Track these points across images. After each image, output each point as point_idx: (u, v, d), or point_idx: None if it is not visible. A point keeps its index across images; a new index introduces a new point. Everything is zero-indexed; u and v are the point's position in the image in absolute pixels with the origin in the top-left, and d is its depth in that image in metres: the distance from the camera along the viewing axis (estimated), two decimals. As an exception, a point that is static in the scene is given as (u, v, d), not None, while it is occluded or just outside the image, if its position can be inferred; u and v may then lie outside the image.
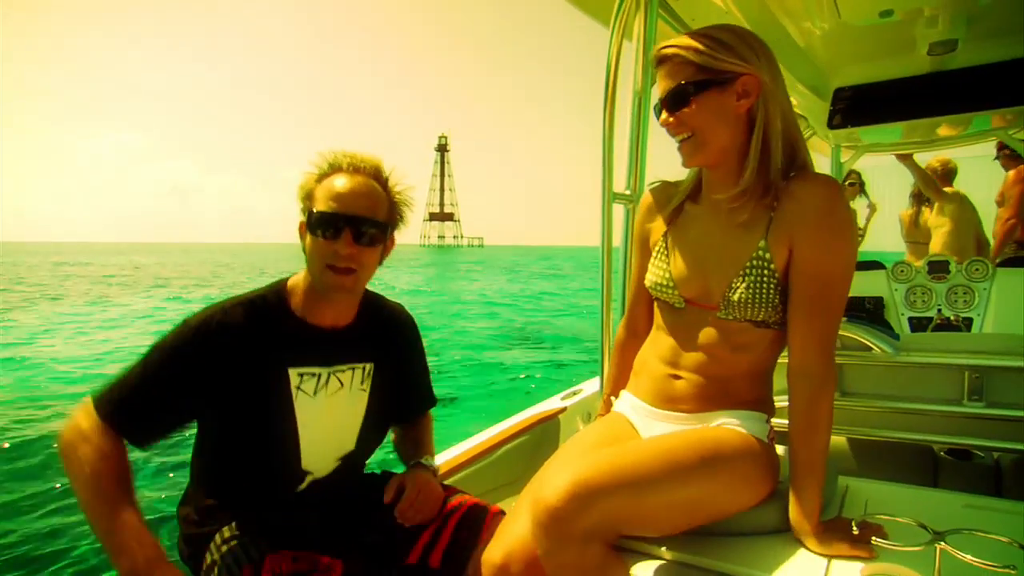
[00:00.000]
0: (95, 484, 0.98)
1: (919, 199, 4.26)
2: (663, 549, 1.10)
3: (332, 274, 1.08)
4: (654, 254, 1.26)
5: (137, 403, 1.04)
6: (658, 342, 1.23)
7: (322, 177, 1.10)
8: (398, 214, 1.17)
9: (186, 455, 1.20)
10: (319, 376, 1.13)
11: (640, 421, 1.22)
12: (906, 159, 3.55)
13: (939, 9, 1.85)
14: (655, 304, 1.27)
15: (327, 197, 1.07)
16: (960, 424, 1.53)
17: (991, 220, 3.83)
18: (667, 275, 1.20)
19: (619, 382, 1.38)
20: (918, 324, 2.49)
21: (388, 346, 1.27)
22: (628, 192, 1.69)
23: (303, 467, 1.14)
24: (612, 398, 1.37)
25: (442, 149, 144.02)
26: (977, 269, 2.40)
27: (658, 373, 1.20)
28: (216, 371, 1.06)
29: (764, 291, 1.08)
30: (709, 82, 1.07)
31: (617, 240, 1.68)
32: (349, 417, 1.20)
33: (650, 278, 1.24)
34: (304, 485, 1.16)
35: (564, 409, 1.95)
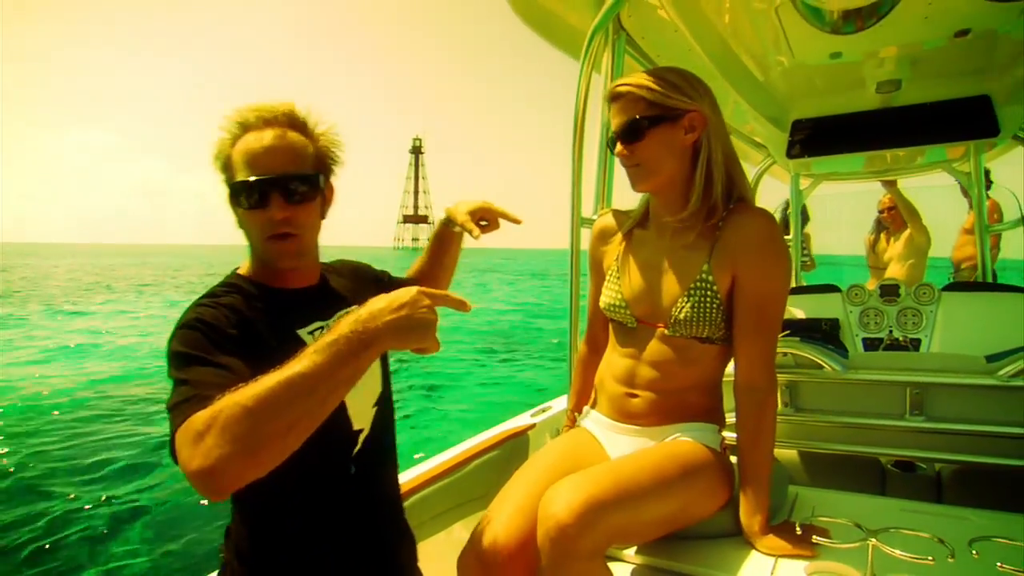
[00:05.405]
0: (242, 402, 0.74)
1: (879, 226, 4.43)
2: (624, 552, 1.18)
3: (274, 243, 0.97)
4: (607, 277, 1.33)
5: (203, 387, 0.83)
6: (612, 363, 1.30)
7: (235, 140, 0.97)
8: (328, 158, 1.05)
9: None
10: (326, 328, 1.00)
11: (603, 435, 1.29)
12: (890, 186, 3.66)
13: (885, 52, 2.00)
14: (610, 325, 1.34)
15: (243, 162, 0.95)
16: (904, 437, 1.64)
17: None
18: (619, 296, 1.28)
19: (582, 396, 1.46)
20: (871, 345, 2.60)
21: (362, 287, 1.19)
22: (595, 217, 1.76)
23: (353, 426, 1.04)
24: (576, 414, 1.45)
25: (416, 151, 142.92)
26: (924, 293, 2.54)
27: (615, 392, 1.27)
28: (238, 352, 0.90)
29: (707, 310, 1.17)
30: (661, 117, 1.17)
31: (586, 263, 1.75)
32: None
33: (604, 300, 1.32)
34: (359, 446, 1.06)
35: (533, 426, 1.99)
